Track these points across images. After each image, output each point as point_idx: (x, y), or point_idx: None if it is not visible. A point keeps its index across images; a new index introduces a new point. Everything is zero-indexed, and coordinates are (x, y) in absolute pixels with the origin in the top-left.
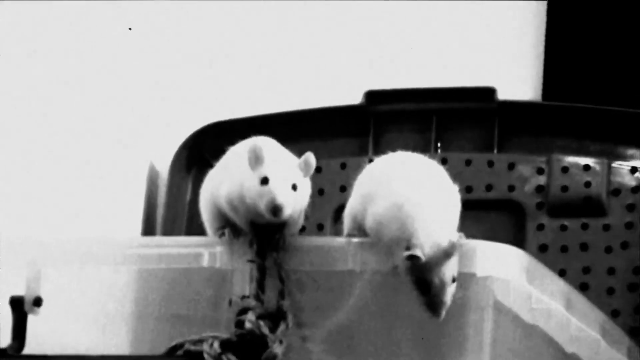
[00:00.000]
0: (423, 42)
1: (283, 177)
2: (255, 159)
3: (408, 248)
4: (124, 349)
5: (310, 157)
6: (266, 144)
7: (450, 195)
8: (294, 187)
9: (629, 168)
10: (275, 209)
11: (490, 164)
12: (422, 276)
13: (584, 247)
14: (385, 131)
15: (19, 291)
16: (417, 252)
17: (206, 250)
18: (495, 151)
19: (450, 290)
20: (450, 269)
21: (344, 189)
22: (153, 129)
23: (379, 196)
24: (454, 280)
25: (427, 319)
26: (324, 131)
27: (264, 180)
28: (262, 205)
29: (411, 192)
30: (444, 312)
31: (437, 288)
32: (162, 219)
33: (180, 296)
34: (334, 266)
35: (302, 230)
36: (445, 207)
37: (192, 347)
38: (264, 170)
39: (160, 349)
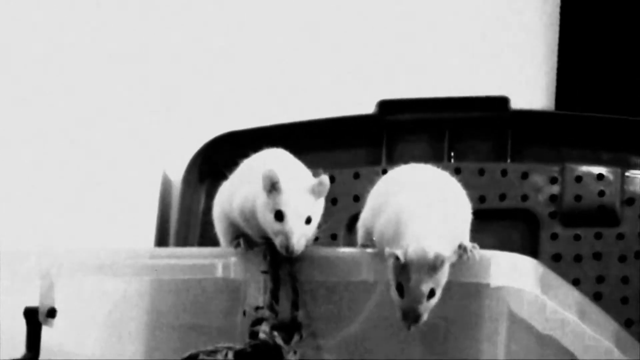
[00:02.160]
0: (436, 51)
1: (298, 214)
2: (270, 187)
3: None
4: None
5: (324, 179)
6: (279, 160)
7: (456, 208)
8: (308, 220)
9: None
10: (289, 250)
11: (504, 173)
12: (400, 280)
13: (597, 256)
14: (399, 141)
15: (33, 302)
16: (398, 252)
17: (220, 261)
18: (508, 160)
19: (427, 304)
20: (431, 281)
21: (357, 199)
22: (166, 139)
23: (384, 209)
24: (432, 294)
25: (441, 329)
26: (338, 141)
27: (279, 215)
28: (276, 242)
29: (409, 201)
30: (413, 324)
31: (411, 295)
32: (175, 230)
33: (194, 307)
34: (347, 277)
35: (316, 240)
36: (445, 219)
37: (206, 358)
38: (279, 203)
39: (174, 359)
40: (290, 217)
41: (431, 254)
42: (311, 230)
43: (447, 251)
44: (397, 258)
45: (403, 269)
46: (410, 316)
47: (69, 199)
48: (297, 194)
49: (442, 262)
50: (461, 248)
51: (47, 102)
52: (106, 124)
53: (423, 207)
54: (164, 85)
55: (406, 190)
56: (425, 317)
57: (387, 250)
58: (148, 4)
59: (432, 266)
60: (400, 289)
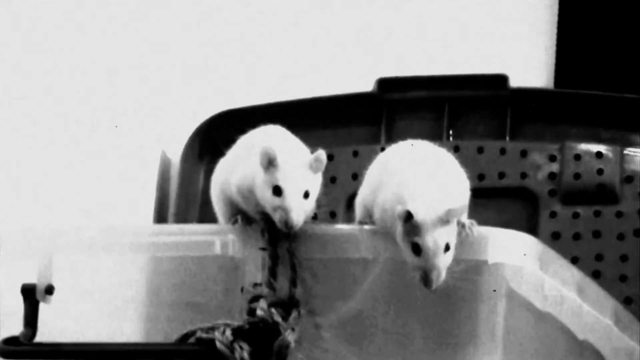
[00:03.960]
0: (435, 29)
1: (296, 189)
2: (268, 163)
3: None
4: (136, 337)
5: (321, 154)
6: (277, 137)
7: (455, 179)
8: (306, 195)
9: None
10: (288, 225)
11: (503, 151)
12: (415, 240)
13: (596, 234)
14: (398, 119)
15: (31, 280)
16: (411, 209)
17: (218, 238)
18: (507, 139)
19: (444, 258)
20: (445, 236)
21: (356, 177)
22: (165, 117)
23: (385, 185)
24: (447, 248)
25: (440, 307)
26: (336, 119)
27: (277, 190)
28: (275, 217)
29: (410, 169)
30: (436, 282)
31: (429, 252)
32: (174, 207)
33: (192, 284)
34: (346, 254)
35: (314, 218)
36: (446, 185)
37: (204, 335)
38: (277, 178)
39: (173, 336)
40: (288, 191)
41: (442, 208)
42: (309, 205)
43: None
44: (409, 216)
45: (414, 228)
46: (432, 274)
47: (68, 177)
48: (294, 169)
49: (453, 216)
50: (459, 225)
51: (46, 81)
52: (105, 103)
53: (424, 178)
54: (162, 64)
55: (406, 166)
56: (444, 274)
57: (399, 208)
58: None
59: (445, 220)
60: (416, 248)
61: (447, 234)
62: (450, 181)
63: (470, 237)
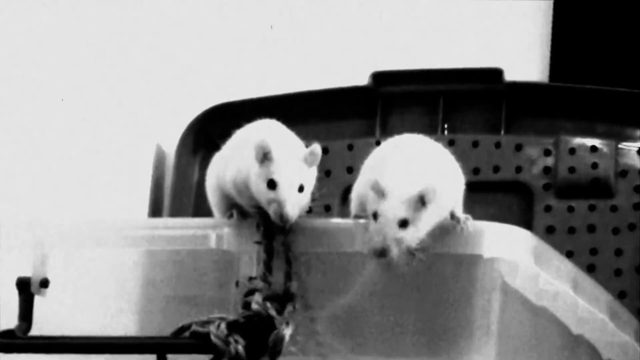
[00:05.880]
0: (430, 23)
1: (290, 182)
2: (262, 156)
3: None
4: (131, 331)
5: (316, 148)
6: (271, 131)
7: (446, 176)
8: (301, 188)
9: (637, 149)
10: (283, 218)
11: (498, 145)
12: (375, 208)
13: (591, 228)
14: (393, 112)
15: (26, 273)
16: (379, 180)
17: (213, 232)
18: (502, 133)
19: (398, 234)
20: (405, 212)
21: (351, 170)
22: (160, 110)
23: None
24: (404, 224)
25: (434, 301)
26: (332, 112)
27: (271, 184)
28: (270, 211)
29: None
30: (379, 256)
31: (381, 221)
32: (169, 201)
33: (187, 278)
34: (341, 248)
35: (309, 211)
36: (423, 167)
37: (199, 329)
38: (272, 172)
39: (168, 330)
40: (283, 185)
41: (413, 187)
42: (304, 198)
43: (432, 199)
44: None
45: (382, 198)
46: (377, 244)
47: (62, 170)
48: (289, 162)
49: (421, 199)
50: (454, 219)
51: (40, 74)
52: (100, 96)
53: (399, 161)
54: (157, 57)
55: (400, 150)
56: (395, 251)
57: (353, 192)
58: None
59: (413, 198)
60: (375, 215)
61: (411, 213)
62: (437, 175)
63: (464, 232)
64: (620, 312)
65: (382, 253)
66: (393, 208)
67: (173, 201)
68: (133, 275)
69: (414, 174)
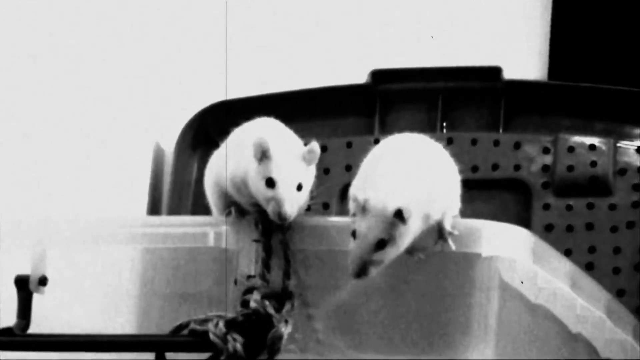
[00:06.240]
0: (429, 21)
1: (289, 181)
2: (261, 154)
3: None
4: (129, 328)
5: (314, 146)
6: (270, 129)
7: (438, 177)
8: (300, 187)
9: (635, 147)
10: (281, 216)
11: (496, 143)
12: (355, 226)
13: (589, 226)
14: (392, 110)
15: (25, 271)
16: (359, 196)
17: (212, 230)
18: (501, 131)
19: (375, 255)
20: (383, 233)
21: (350, 169)
22: (159, 108)
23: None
24: (381, 245)
25: (433, 299)
26: (330, 110)
27: (270, 182)
28: (268, 209)
29: (385, 164)
30: (358, 275)
31: (359, 241)
32: (168, 199)
33: (185, 276)
34: (339, 245)
35: (308, 209)
36: (418, 184)
37: (198, 327)
38: (270, 170)
39: (166, 328)
40: (281, 183)
41: (389, 205)
42: (303, 197)
43: (414, 214)
44: (356, 201)
45: (363, 215)
46: (356, 264)
47: (61, 168)
48: (287, 160)
49: (399, 216)
50: (441, 236)
51: (39, 72)
52: (98, 94)
53: (395, 167)
54: (156, 54)
55: (388, 156)
56: (372, 271)
57: (351, 191)
58: None
59: (389, 217)
60: (354, 234)
61: (387, 233)
62: (428, 176)
63: (446, 249)
64: (619, 311)
65: (359, 274)
66: (371, 229)
67: (172, 199)
68: (131, 273)
69: (395, 188)
